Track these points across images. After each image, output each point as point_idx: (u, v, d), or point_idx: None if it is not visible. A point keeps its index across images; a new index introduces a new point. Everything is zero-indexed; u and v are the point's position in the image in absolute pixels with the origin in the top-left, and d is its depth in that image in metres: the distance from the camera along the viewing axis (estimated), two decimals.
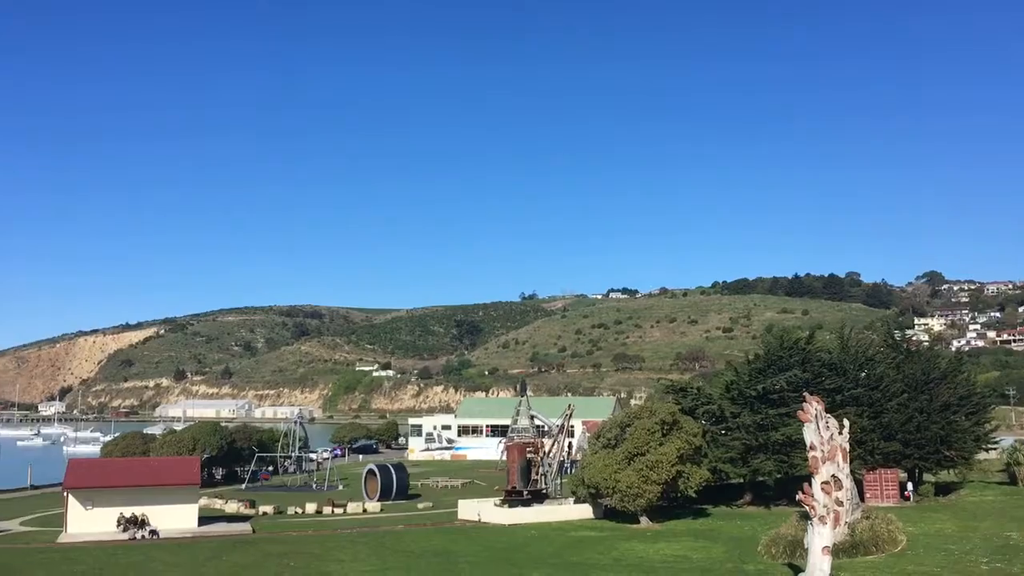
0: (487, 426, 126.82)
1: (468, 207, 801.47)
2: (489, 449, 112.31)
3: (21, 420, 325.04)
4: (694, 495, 55.47)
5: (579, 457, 77.83)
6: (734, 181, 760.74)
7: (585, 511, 57.49)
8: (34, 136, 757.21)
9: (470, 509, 59.66)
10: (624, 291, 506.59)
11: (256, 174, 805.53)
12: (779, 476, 60.61)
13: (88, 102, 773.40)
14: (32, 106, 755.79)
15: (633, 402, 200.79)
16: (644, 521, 53.10)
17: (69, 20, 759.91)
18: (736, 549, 43.08)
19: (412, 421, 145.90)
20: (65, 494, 55.05)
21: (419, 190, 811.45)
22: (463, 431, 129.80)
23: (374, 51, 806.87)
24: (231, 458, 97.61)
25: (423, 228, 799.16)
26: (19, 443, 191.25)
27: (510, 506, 58.26)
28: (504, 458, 65.44)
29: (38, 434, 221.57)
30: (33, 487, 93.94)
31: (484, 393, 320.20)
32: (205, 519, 58.08)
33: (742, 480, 62.91)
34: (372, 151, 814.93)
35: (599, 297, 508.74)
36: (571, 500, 59.49)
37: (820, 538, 31.67)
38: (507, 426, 72.73)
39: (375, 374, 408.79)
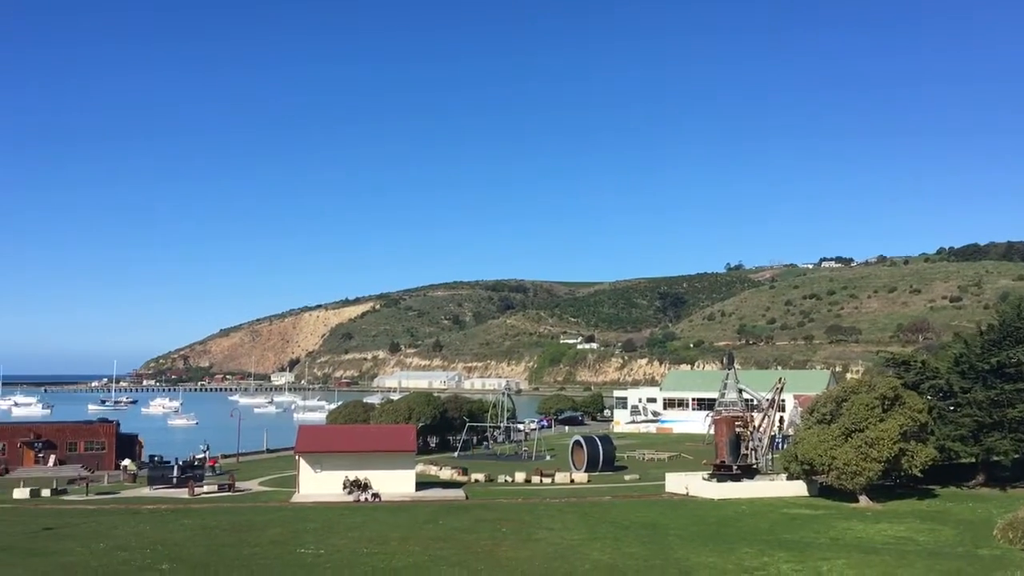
0: (693, 399, 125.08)
1: (668, 177, 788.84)
2: (695, 422, 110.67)
3: (256, 389, 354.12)
4: (919, 475, 52.17)
5: (791, 432, 75.23)
6: (960, 137, 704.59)
7: (798, 488, 55.46)
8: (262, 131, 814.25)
9: (678, 482, 59.04)
10: (838, 259, 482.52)
11: (459, 153, 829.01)
12: (1016, 456, 56.04)
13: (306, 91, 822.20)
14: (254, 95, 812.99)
15: (849, 376, 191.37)
16: (863, 500, 50.56)
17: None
18: (968, 532, 40.21)
19: (617, 393, 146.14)
20: (297, 458, 59.35)
21: (617, 160, 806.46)
22: (668, 404, 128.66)
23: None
24: (443, 427, 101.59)
25: (622, 202, 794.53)
26: (256, 410, 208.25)
27: (719, 480, 57.15)
28: (712, 432, 64.21)
29: (271, 402, 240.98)
30: (269, 451, 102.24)
31: (689, 366, 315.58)
32: (421, 484, 60.75)
33: (974, 460, 58.53)
34: (564, 127, 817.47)
35: (810, 266, 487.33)
36: (783, 476, 57.52)
37: None
38: (714, 399, 71.10)
39: (579, 347, 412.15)
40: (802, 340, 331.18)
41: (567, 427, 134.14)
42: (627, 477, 68.77)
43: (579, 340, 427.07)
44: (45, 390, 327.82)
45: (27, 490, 61.60)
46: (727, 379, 63.67)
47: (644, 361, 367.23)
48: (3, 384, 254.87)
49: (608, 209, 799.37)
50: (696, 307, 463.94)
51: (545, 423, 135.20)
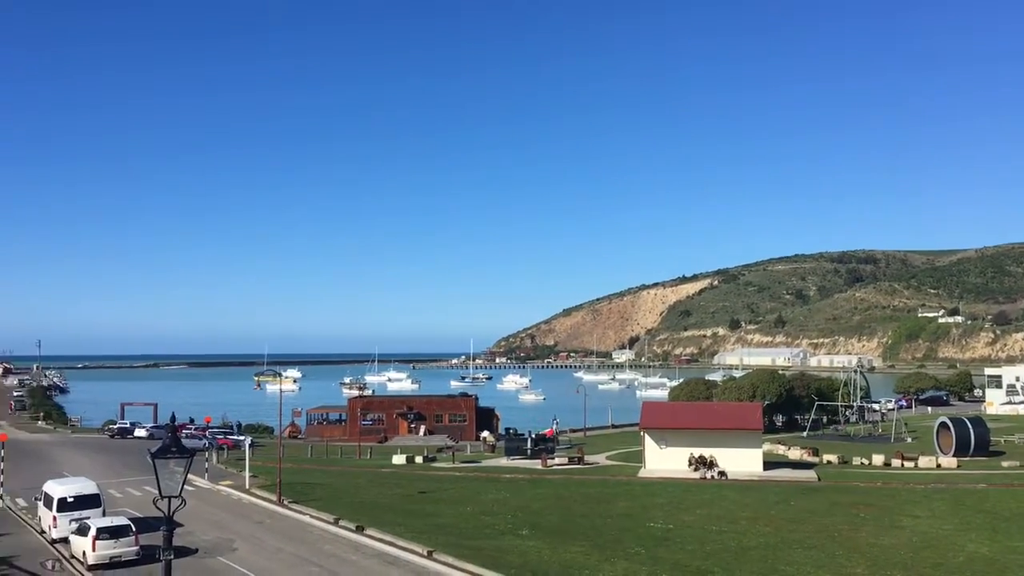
0: None
1: None
2: None
3: (599, 366, 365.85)
4: None
5: None
6: None
7: None
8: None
9: None
10: None
11: (790, 122, 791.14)
12: None
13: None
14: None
15: None
16: None
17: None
18: None
19: (989, 371, 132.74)
20: (642, 433, 60.28)
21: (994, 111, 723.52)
22: None
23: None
24: (790, 406, 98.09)
25: (989, 160, 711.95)
26: (599, 387, 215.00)
27: None
28: None
29: (614, 379, 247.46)
30: (613, 426, 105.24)
31: None
32: (768, 464, 59.13)
33: None
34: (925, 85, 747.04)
35: None
36: None
37: None
38: None
39: (941, 320, 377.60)
40: None
41: (929, 408, 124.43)
42: (1005, 464, 61.85)
43: (940, 313, 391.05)
44: (413, 367, 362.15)
45: (403, 457, 68.71)
46: None
47: (1020, 336, 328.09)
48: (379, 361, 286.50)
49: (972, 170, 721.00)
50: None
51: (903, 403, 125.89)
